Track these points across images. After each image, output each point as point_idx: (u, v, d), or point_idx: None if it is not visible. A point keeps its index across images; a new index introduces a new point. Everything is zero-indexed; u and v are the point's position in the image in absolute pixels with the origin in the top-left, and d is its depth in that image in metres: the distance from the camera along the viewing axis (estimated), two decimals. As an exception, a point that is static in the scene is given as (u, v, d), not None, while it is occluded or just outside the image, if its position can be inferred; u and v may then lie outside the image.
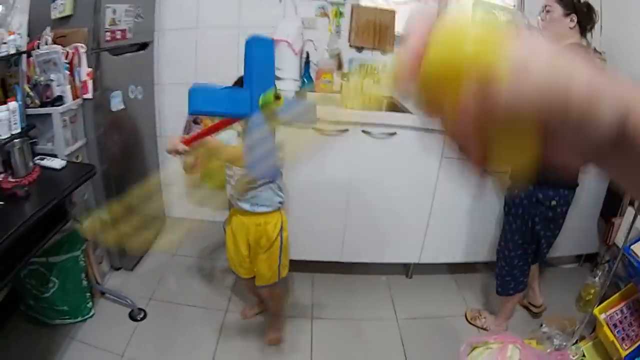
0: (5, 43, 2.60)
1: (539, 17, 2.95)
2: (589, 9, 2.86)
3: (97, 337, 2.94)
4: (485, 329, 3.24)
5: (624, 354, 2.29)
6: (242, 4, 3.90)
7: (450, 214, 3.50)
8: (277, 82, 3.56)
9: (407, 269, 3.79)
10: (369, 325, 3.25)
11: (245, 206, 2.56)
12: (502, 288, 3.17)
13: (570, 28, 2.82)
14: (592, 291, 3.29)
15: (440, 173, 3.35)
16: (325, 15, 3.90)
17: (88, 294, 3.07)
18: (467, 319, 3.36)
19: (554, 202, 2.87)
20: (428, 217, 3.50)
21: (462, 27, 0.41)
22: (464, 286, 3.67)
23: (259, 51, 1.49)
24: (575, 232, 3.59)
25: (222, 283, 3.40)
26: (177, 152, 2.29)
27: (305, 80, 3.79)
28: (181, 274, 3.57)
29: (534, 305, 3.44)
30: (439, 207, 3.47)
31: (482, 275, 3.75)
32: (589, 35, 2.93)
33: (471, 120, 0.41)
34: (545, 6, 2.88)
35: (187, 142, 2.24)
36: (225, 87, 1.49)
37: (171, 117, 4.00)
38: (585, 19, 2.83)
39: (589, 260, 3.90)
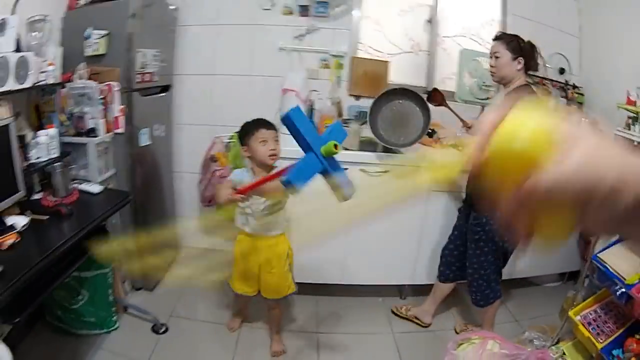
0: (43, 72, 2.85)
1: (489, 63, 3.15)
2: (533, 48, 3.08)
3: (123, 347, 3.14)
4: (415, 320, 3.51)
5: (600, 346, 2.49)
6: (254, 54, 4.24)
7: (440, 239, 3.71)
8: (284, 127, 3.88)
9: (400, 291, 4.02)
10: (368, 338, 3.48)
11: (259, 231, 2.87)
12: (483, 301, 3.31)
13: (518, 70, 3.02)
14: (574, 302, 3.49)
15: (428, 204, 3.65)
16: (328, 66, 4.22)
17: (114, 308, 3.28)
18: (456, 332, 3.53)
19: None
20: (418, 243, 3.78)
21: (520, 128, 0.48)
22: (452, 303, 3.87)
23: (299, 118, 1.63)
24: (557, 251, 3.80)
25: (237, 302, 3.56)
26: (232, 202, 2.64)
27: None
28: (198, 294, 3.80)
29: (420, 322, 3.66)
30: (429, 233, 3.75)
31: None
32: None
33: (521, 203, 0.49)
34: (494, 52, 3.08)
35: (243, 192, 2.57)
36: (302, 161, 1.62)
37: (187, 154, 4.29)
38: (531, 60, 3.05)
39: (572, 277, 4.07)
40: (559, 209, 0.48)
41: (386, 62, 4.16)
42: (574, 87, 4.21)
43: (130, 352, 3.11)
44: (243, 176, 2.80)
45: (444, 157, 0.55)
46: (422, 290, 3.89)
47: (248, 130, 2.79)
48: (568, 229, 0.51)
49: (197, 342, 3.31)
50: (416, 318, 3.65)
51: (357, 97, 4.28)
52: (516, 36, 3.09)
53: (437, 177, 0.58)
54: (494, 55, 3.09)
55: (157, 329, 3.34)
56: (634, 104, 3.26)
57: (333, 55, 4.19)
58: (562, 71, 4.26)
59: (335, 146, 1.63)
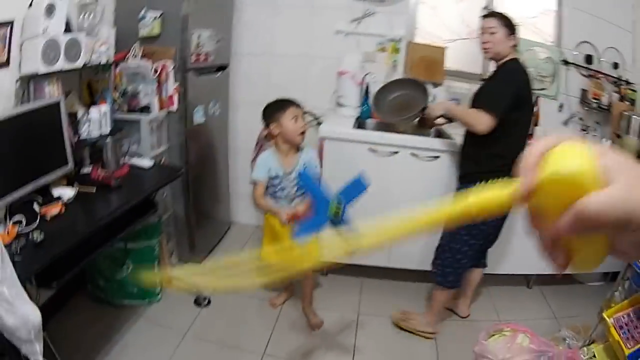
0: (96, 52, 2.93)
1: (482, 39, 3.06)
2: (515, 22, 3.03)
3: (163, 318, 3.23)
4: (419, 333, 3.31)
5: (627, 352, 2.40)
6: (311, 36, 4.22)
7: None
8: (339, 108, 3.85)
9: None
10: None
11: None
12: (442, 278, 3.21)
13: (511, 47, 2.99)
14: (610, 304, 3.38)
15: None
16: (384, 50, 4.15)
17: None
18: (393, 322, 3.42)
19: None
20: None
21: (568, 156, 0.50)
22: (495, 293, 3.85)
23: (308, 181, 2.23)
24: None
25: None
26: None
27: (364, 108, 4.01)
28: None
29: (457, 315, 3.55)
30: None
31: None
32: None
33: (561, 234, 0.50)
34: (489, 28, 3.00)
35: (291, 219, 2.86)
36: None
37: (244, 132, 4.33)
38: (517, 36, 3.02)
39: (616, 278, 3.94)
40: (598, 234, 0.50)
41: (443, 48, 4.06)
42: (627, 83, 4.00)
43: (170, 322, 3.19)
44: (269, 160, 2.92)
45: (496, 188, 0.57)
46: (550, 280, 3.90)
47: (279, 107, 2.87)
48: (603, 254, 0.53)
49: (238, 316, 3.36)
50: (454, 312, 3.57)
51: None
52: (507, 15, 3.04)
53: (487, 206, 0.58)
54: (488, 31, 3.01)
55: (200, 301, 3.40)
56: None
57: (390, 40, 4.11)
58: (615, 66, 4.04)
59: (337, 209, 2.03)
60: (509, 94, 2.85)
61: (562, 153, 0.51)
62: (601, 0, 4.05)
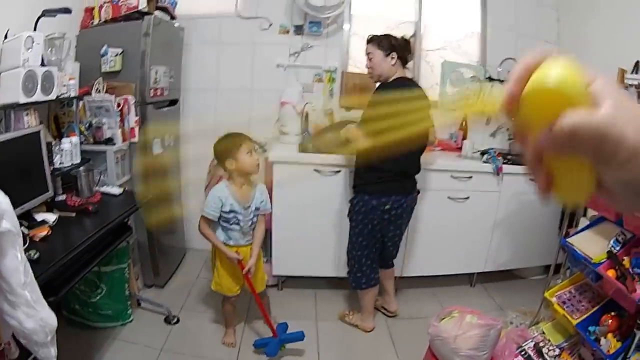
0: (65, 85, 3.02)
1: (365, 65, 3.30)
2: (407, 43, 3.20)
3: (138, 337, 3.29)
4: (355, 326, 3.60)
5: (574, 322, 2.63)
6: (253, 70, 4.47)
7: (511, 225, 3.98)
8: (282, 137, 4.06)
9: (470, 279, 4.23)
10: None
11: (242, 243, 3.10)
12: (355, 283, 3.48)
13: (392, 65, 3.15)
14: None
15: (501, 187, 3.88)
16: (321, 80, 4.44)
17: (129, 302, 3.43)
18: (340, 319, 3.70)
19: (387, 206, 3.18)
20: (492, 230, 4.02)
21: (556, 69, 0.47)
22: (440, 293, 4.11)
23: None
24: (539, 245, 4.04)
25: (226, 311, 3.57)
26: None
27: (305, 135, 4.22)
28: (205, 290, 3.91)
29: (387, 310, 3.76)
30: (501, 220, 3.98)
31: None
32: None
33: (543, 149, 0.49)
34: (368, 53, 3.23)
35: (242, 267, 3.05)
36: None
37: (194, 162, 4.40)
38: (405, 53, 3.18)
39: (557, 271, 4.13)
40: (581, 161, 0.48)
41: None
42: (637, 87, 4.33)
43: (145, 341, 3.25)
44: (223, 192, 2.97)
45: (486, 96, 0.55)
46: (491, 277, 4.17)
47: (233, 144, 2.91)
48: (587, 187, 0.51)
49: (208, 331, 3.47)
50: (384, 308, 3.80)
51: (348, 108, 4.45)
52: (388, 35, 3.22)
53: (477, 111, 0.57)
54: (368, 56, 3.25)
55: (170, 319, 3.49)
56: None
57: (326, 71, 4.40)
58: None
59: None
60: (371, 110, 3.10)
61: (551, 65, 0.49)
62: (525, 18, 4.50)
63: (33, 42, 2.64)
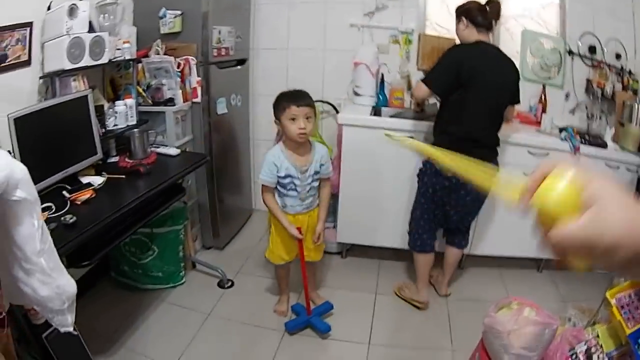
0: (119, 49, 3.03)
1: None
2: (481, 6, 3.06)
3: (187, 300, 3.31)
4: (411, 302, 3.42)
5: (627, 332, 2.41)
6: (326, 30, 4.27)
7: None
8: (355, 97, 3.91)
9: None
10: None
11: (299, 210, 2.96)
12: (411, 243, 3.40)
13: (465, 30, 3.08)
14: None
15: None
16: (397, 42, 4.20)
17: (182, 264, 3.44)
18: (395, 292, 3.56)
19: (448, 174, 3.01)
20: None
21: (553, 191, 0.61)
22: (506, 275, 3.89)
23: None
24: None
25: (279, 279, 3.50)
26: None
27: (380, 97, 4.06)
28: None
29: (437, 292, 3.59)
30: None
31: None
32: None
33: (545, 240, 0.61)
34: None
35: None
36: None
37: (264, 123, 4.39)
38: (478, 17, 3.03)
39: None
40: (573, 254, 0.60)
41: (452, 39, 4.06)
42: (630, 73, 3.99)
43: (193, 305, 3.26)
44: (277, 156, 2.83)
45: (511, 182, 0.68)
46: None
47: (279, 105, 2.79)
48: (588, 266, 0.61)
49: (260, 297, 3.43)
50: (434, 287, 3.65)
51: (425, 71, 4.20)
52: (465, 2, 3.15)
53: (502, 194, 0.70)
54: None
55: (223, 283, 3.49)
56: None
57: (402, 32, 4.15)
58: (618, 56, 4.03)
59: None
60: (442, 68, 3.04)
61: (548, 188, 0.62)
62: None
63: (77, 10, 2.62)
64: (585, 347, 2.49)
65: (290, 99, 2.76)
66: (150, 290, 3.34)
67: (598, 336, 2.64)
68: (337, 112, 4.04)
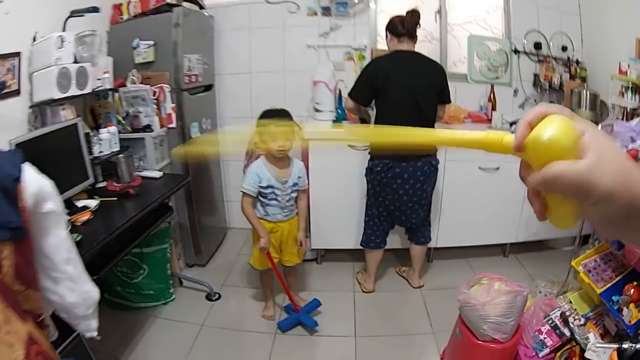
0: (99, 79, 3.14)
1: None
2: (400, 18, 3.34)
3: (179, 314, 3.43)
4: (361, 287, 3.79)
5: (599, 291, 2.60)
6: (285, 53, 4.51)
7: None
8: (316, 114, 4.11)
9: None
10: (400, 296, 3.75)
11: (280, 218, 3.16)
12: (361, 240, 3.71)
13: (389, 42, 3.43)
14: (579, 257, 3.56)
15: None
16: (351, 59, 4.46)
17: (171, 282, 3.56)
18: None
19: (378, 169, 3.38)
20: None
21: (552, 126, 0.57)
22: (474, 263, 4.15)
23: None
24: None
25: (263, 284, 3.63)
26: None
27: (339, 111, 4.26)
28: (247, 267, 3.98)
29: (411, 285, 3.83)
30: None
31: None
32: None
33: (535, 180, 0.57)
34: None
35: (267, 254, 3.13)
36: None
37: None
38: (398, 27, 3.33)
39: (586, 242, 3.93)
40: (565, 198, 0.58)
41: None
42: (577, 62, 4.34)
43: (187, 318, 3.38)
44: (260, 168, 3.05)
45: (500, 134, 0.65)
46: (524, 248, 4.25)
47: (260, 126, 3.01)
48: (573, 217, 0.60)
49: (247, 305, 3.59)
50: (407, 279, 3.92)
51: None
52: (390, 19, 3.44)
53: (491, 148, 0.66)
54: None
55: (211, 296, 3.62)
56: (625, 74, 3.37)
57: (355, 49, 4.40)
58: (564, 49, 4.41)
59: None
60: (359, 81, 3.39)
61: (549, 122, 0.58)
62: None
63: (63, 41, 2.74)
64: (560, 312, 2.68)
65: (271, 117, 3.00)
66: (143, 309, 3.44)
67: (571, 302, 2.85)
68: (299, 128, 4.22)
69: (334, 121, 4.16)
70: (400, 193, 3.40)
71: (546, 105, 0.61)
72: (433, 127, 3.39)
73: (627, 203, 0.54)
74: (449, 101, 3.51)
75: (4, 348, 1.48)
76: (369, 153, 3.50)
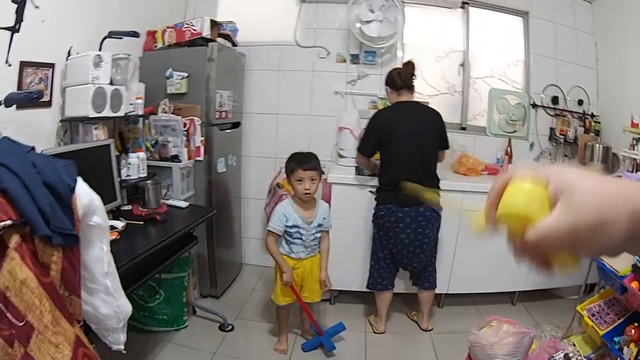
0: (132, 104, 3.21)
1: None
2: (398, 71, 3.52)
3: (192, 342, 3.43)
4: (373, 328, 3.76)
5: (601, 333, 2.67)
6: (312, 97, 4.61)
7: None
8: (340, 159, 4.20)
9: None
10: (411, 338, 3.72)
11: (303, 257, 3.22)
12: (368, 282, 3.72)
13: (390, 95, 3.59)
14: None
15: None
16: (376, 107, 4.49)
17: (185, 309, 3.57)
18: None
19: (381, 213, 3.47)
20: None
21: (515, 197, 0.59)
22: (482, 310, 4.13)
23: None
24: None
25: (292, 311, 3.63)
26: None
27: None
28: (260, 303, 4.06)
29: (420, 327, 3.81)
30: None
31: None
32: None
33: (524, 251, 0.59)
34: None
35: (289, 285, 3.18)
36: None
37: (254, 183, 4.66)
38: (396, 81, 3.48)
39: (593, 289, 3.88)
40: (555, 251, 0.57)
41: (426, 102, 4.36)
42: (592, 116, 4.45)
43: (199, 346, 3.37)
44: (287, 208, 3.14)
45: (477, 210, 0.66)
46: (532, 296, 4.23)
47: (288, 167, 3.12)
48: (574, 260, 0.59)
49: (261, 339, 3.57)
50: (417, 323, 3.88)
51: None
52: (388, 74, 3.61)
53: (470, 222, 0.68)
54: None
55: (224, 327, 3.61)
56: (636, 126, 3.47)
57: (381, 98, 4.47)
58: (580, 102, 4.52)
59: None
60: (366, 136, 3.57)
61: (510, 192, 0.60)
62: (565, 45, 4.56)
63: (102, 61, 2.82)
64: (563, 353, 2.71)
65: (298, 163, 3.07)
66: (156, 333, 3.44)
67: (574, 344, 2.89)
68: (323, 172, 4.25)
69: (357, 167, 4.18)
70: (401, 237, 3.45)
71: (503, 175, 0.63)
72: (435, 171, 3.52)
73: (626, 219, 0.53)
74: (447, 147, 3.63)
75: (51, 347, 1.51)
76: (375, 199, 3.57)
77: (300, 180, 3.03)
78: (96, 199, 1.77)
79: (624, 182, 0.56)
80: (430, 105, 3.75)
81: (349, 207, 3.83)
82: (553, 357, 2.72)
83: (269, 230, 3.14)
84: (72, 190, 1.66)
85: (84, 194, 1.71)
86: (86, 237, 1.76)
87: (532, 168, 0.60)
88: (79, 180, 1.73)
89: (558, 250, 0.57)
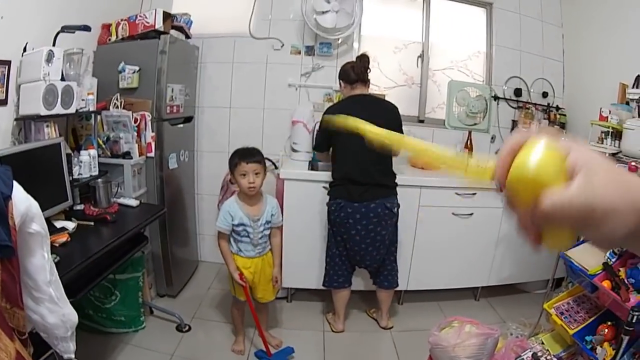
0: (83, 100, 3.12)
1: None
2: (351, 65, 3.51)
3: (149, 343, 3.36)
4: (331, 327, 3.76)
5: (571, 332, 2.67)
6: (266, 90, 4.55)
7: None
8: (293, 153, 4.16)
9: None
10: (370, 336, 3.72)
11: (253, 255, 3.17)
12: (324, 280, 3.70)
13: (343, 90, 3.58)
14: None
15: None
16: (331, 100, 4.49)
17: (142, 310, 3.50)
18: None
19: (332, 208, 3.46)
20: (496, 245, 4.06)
21: (533, 157, 0.54)
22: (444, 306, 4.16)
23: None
24: (541, 259, 3.93)
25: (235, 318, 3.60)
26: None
27: (315, 153, 4.25)
28: (217, 301, 4.03)
29: (379, 325, 3.82)
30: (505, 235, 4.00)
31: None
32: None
33: (529, 217, 0.55)
34: None
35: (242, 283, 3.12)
36: None
37: (207, 178, 4.59)
38: (350, 74, 3.48)
39: (560, 285, 3.98)
40: (561, 226, 0.55)
41: (383, 95, 4.39)
42: (557, 108, 4.52)
43: (157, 347, 3.32)
44: (232, 206, 3.09)
45: (482, 162, 0.63)
46: (495, 291, 4.27)
47: (232, 162, 3.07)
48: (569, 240, 0.57)
49: (217, 339, 3.52)
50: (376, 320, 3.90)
51: (356, 127, 4.50)
52: (342, 67, 3.61)
53: (471, 176, 0.65)
54: None
55: (181, 327, 3.55)
56: (605, 119, 3.49)
57: (336, 91, 4.45)
58: (545, 95, 4.59)
59: None
60: (319, 132, 3.67)
61: (527, 152, 0.55)
62: (530, 36, 4.62)
63: (53, 56, 2.73)
64: (531, 352, 2.71)
65: (241, 157, 3.03)
66: (114, 334, 3.38)
67: (543, 343, 2.89)
68: (276, 167, 4.23)
69: (310, 162, 4.20)
70: (352, 233, 3.44)
71: (518, 134, 0.59)
72: (390, 166, 3.49)
73: (633, 215, 0.51)
74: None
75: (-7, 363, 1.45)
76: (328, 194, 3.55)
77: (244, 175, 2.98)
78: (34, 206, 1.70)
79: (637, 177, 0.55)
80: (385, 98, 3.77)
81: (303, 203, 3.79)
82: (520, 356, 2.73)
83: (218, 231, 3.13)
84: (9, 197, 1.61)
85: (21, 201, 1.64)
86: (27, 246, 1.69)
87: (549, 134, 0.56)
88: (16, 186, 1.66)
89: (564, 226, 0.55)
